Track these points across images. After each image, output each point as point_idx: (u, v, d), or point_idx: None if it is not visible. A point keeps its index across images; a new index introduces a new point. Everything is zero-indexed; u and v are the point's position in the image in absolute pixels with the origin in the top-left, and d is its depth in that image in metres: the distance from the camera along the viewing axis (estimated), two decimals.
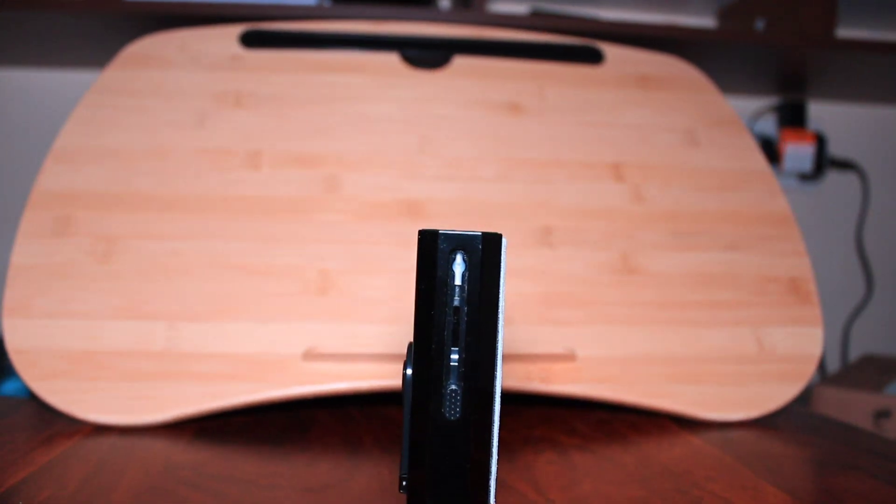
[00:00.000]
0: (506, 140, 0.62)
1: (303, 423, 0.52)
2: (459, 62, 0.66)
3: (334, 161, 0.59)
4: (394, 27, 0.67)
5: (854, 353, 1.36)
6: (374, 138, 0.61)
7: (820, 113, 1.34)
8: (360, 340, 0.52)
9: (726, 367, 0.55)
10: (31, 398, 0.55)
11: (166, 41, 0.65)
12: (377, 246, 0.56)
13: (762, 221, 0.62)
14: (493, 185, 0.60)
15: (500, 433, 0.50)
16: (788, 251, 0.61)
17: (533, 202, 0.59)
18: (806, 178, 1.33)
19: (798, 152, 1.27)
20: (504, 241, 0.28)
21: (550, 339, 0.54)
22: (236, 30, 0.66)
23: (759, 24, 1.14)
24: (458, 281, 0.27)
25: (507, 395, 0.60)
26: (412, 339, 0.28)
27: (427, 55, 0.66)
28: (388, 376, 0.49)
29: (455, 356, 0.27)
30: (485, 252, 0.27)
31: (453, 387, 0.27)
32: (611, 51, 0.69)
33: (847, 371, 1.02)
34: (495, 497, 0.29)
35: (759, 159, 0.65)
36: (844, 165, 1.32)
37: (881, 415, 0.84)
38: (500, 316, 0.28)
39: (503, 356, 0.53)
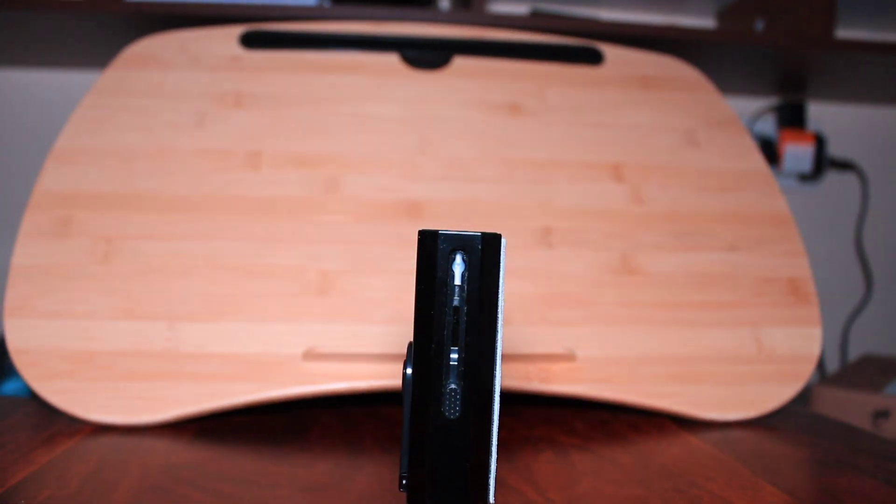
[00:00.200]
0: (506, 140, 0.62)
1: (303, 422, 0.52)
2: (459, 63, 0.66)
3: (334, 161, 0.59)
4: (393, 28, 0.67)
5: (853, 354, 1.36)
6: (373, 139, 0.61)
7: (819, 113, 1.34)
8: (359, 340, 0.52)
9: (725, 367, 0.55)
10: (32, 398, 0.56)
11: (166, 42, 0.65)
12: (377, 246, 0.56)
13: (761, 222, 0.62)
14: (492, 185, 0.60)
15: (499, 432, 0.51)
16: (787, 252, 0.61)
17: (533, 203, 0.59)
18: (805, 178, 1.33)
19: (797, 153, 1.27)
20: (503, 241, 0.28)
21: (550, 339, 0.54)
22: (236, 30, 0.66)
23: (759, 25, 1.14)
24: (457, 281, 0.27)
25: (507, 395, 0.60)
26: (412, 339, 0.28)
27: (427, 56, 0.66)
28: (388, 376, 0.50)
29: (455, 356, 0.27)
30: (484, 252, 0.27)
31: (453, 386, 0.27)
32: (610, 51, 0.69)
33: (846, 371, 1.02)
34: (494, 495, 0.29)
35: (758, 160, 0.65)
36: (844, 166, 1.32)
37: (880, 415, 0.84)
38: (500, 316, 0.28)
39: (503, 356, 0.53)
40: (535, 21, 0.94)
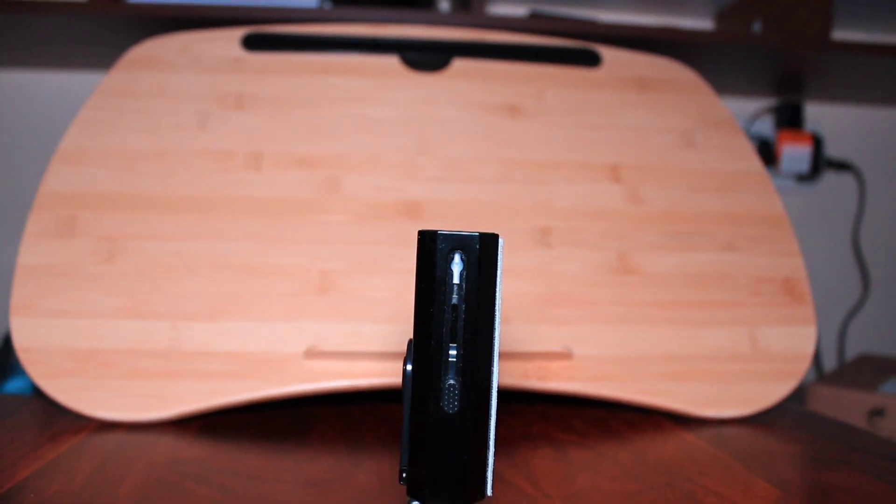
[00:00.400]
0: (504, 142, 0.63)
1: (304, 420, 0.53)
2: (459, 64, 0.67)
3: (335, 162, 0.60)
4: (394, 30, 0.68)
5: (850, 353, 1.37)
6: (374, 140, 0.62)
7: (817, 114, 1.35)
8: (360, 339, 0.53)
9: (721, 365, 0.56)
10: (36, 396, 0.56)
11: (169, 44, 0.66)
12: (377, 246, 0.57)
13: (757, 222, 0.62)
14: (491, 186, 0.61)
15: (497, 428, 0.51)
16: (783, 252, 0.61)
17: (531, 203, 0.60)
18: (803, 178, 1.34)
19: (795, 153, 1.28)
20: (501, 241, 0.29)
21: (548, 337, 0.55)
22: (238, 33, 0.67)
23: (756, 27, 1.14)
24: (456, 280, 0.28)
25: (506, 393, 0.61)
26: (412, 337, 0.29)
27: (427, 58, 0.67)
28: (388, 374, 0.50)
29: (453, 352, 0.28)
30: (482, 252, 0.28)
31: (451, 382, 0.28)
32: (608, 53, 0.70)
33: (843, 370, 1.03)
34: (492, 488, 0.30)
35: (754, 160, 0.66)
36: (841, 166, 1.33)
37: (875, 413, 0.85)
38: (497, 313, 0.29)
39: (501, 353, 0.54)
40: (534, 23, 0.95)
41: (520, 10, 1.27)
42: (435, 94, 0.65)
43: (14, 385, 0.90)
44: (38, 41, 1.03)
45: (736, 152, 0.66)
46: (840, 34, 1.32)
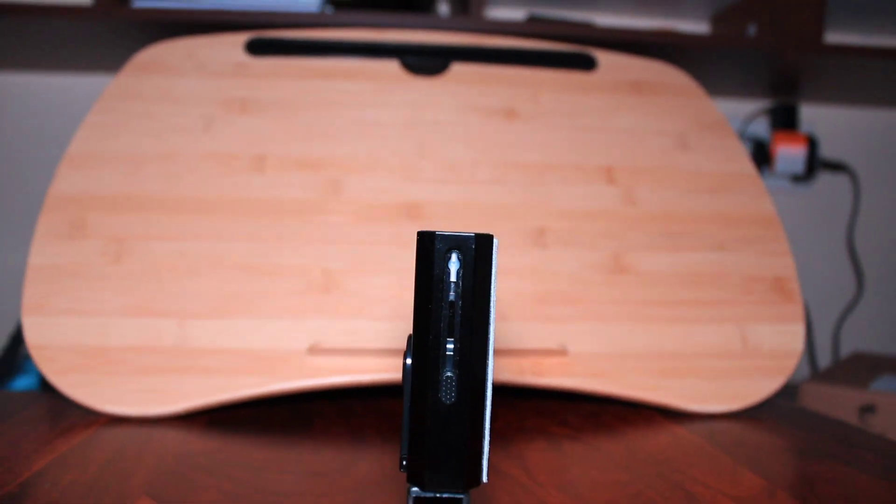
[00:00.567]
0: (501, 144, 0.65)
1: (307, 415, 0.54)
2: (457, 69, 0.68)
3: (336, 165, 0.62)
4: (394, 35, 0.70)
5: (845, 351, 1.38)
6: (374, 143, 0.63)
7: (811, 115, 1.37)
8: (361, 336, 0.54)
9: (712, 362, 0.58)
10: (45, 393, 0.58)
11: (174, 49, 0.68)
12: (378, 246, 0.58)
13: (749, 223, 0.64)
14: (489, 187, 0.62)
15: (493, 420, 0.53)
16: (773, 251, 0.63)
17: (527, 204, 0.62)
18: (798, 179, 1.35)
19: (790, 154, 1.30)
20: (496, 241, 0.30)
21: (543, 334, 0.56)
22: (242, 38, 0.68)
23: (751, 30, 1.16)
24: (453, 278, 0.30)
25: (502, 388, 0.63)
26: (411, 332, 0.31)
27: (426, 62, 0.69)
28: (389, 370, 0.52)
29: (451, 346, 0.30)
30: (478, 251, 0.30)
31: (449, 374, 0.30)
32: (604, 57, 0.71)
33: (835, 368, 1.04)
34: (487, 475, 0.31)
35: (746, 162, 0.67)
36: (836, 167, 1.35)
37: (866, 410, 0.87)
38: (492, 310, 0.30)
39: (498, 350, 0.55)
40: (531, 27, 0.97)
41: (518, 13, 1.28)
42: (434, 98, 0.66)
43: (21, 383, 0.92)
44: (46, 44, 1.05)
45: (728, 154, 0.68)
46: (834, 37, 1.34)
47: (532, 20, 1.11)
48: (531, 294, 0.58)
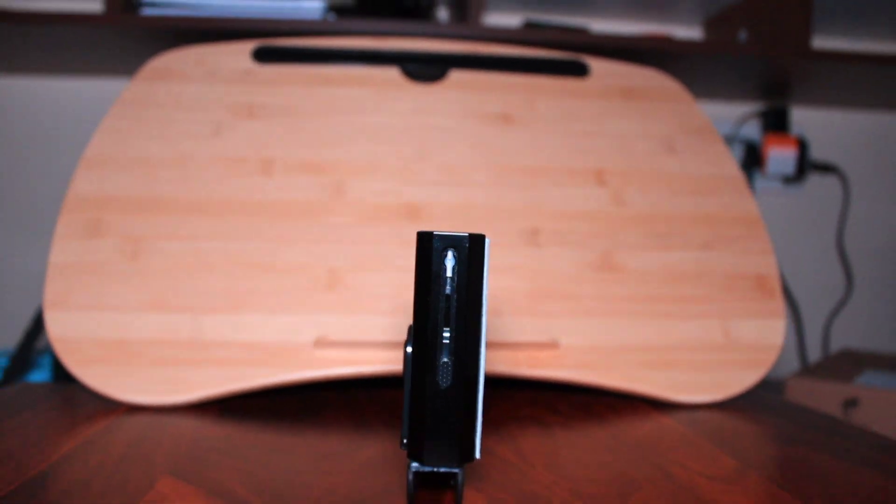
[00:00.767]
0: (497, 148, 0.68)
1: (314, 404, 0.57)
2: (455, 76, 0.72)
3: (340, 168, 0.65)
4: (394, 43, 0.73)
5: (835, 348, 1.41)
6: (376, 147, 0.66)
7: (802, 118, 1.40)
8: (364, 330, 0.57)
9: (696, 355, 0.61)
10: (66, 384, 0.61)
11: (184, 57, 0.71)
12: (379, 245, 0.61)
13: (732, 223, 0.67)
14: (485, 189, 0.65)
15: (486, 404, 0.56)
16: (756, 250, 0.66)
17: (522, 205, 0.65)
18: (789, 180, 1.39)
19: (781, 156, 1.33)
20: (487, 240, 0.34)
21: (537, 329, 0.60)
22: (249, 46, 0.72)
23: (742, 36, 1.19)
24: (449, 273, 0.33)
25: (498, 380, 0.66)
26: (412, 323, 0.34)
27: (425, 69, 0.72)
28: (391, 362, 0.55)
29: (447, 335, 0.33)
30: (471, 250, 0.33)
31: (445, 360, 0.33)
32: (596, 64, 0.75)
33: (822, 364, 1.07)
34: (480, 452, 0.35)
35: (731, 165, 0.71)
36: (826, 168, 1.38)
37: (850, 403, 0.90)
38: (484, 302, 0.34)
39: (494, 344, 0.58)
40: (528, 34, 1.00)
41: (515, 19, 1.31)
42: (433, 104, 0.70)
43: (34, 378, 0.95)
44: (59, 49, 1.08)
45: (713, 157, 0.71)
46: (823, 41, 1.37)
47: (528, 26, 1.14)
48: (525, 291, 0.61)
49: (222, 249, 0.60)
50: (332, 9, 1.06)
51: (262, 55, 0.71)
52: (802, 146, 1.34)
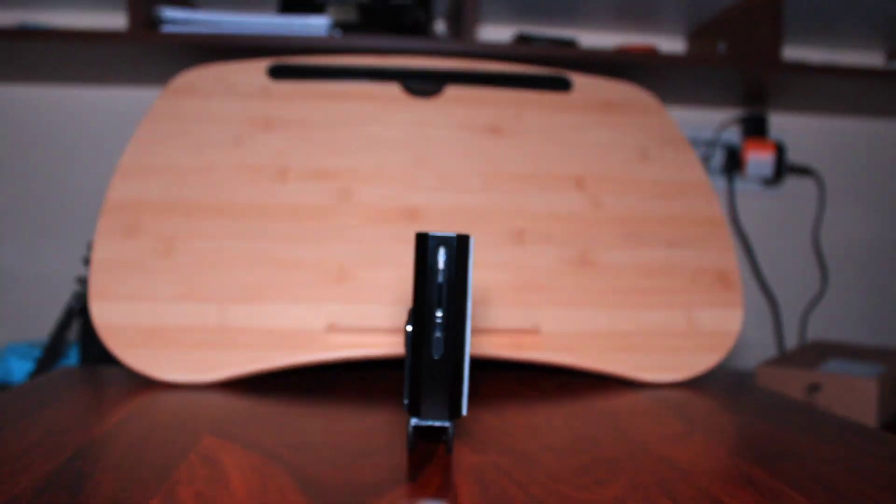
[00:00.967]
0: (488, 157, 0.76)
1: (327, 383, 0.66)
2: (451, 91, 0.80)
3: (348, 175, 0.73)
4: (396, 61, 0.81)
5: (811, 340, 1.49)
6: (380, 156, 0.75)
7: (780, 124, 1.48)
8: (370, 318, 0.66)
9: (662, 340, 0.69)
10: (102, 367, 0.69)
11: (206, 74, 0.79)
12: (383, 244, 0.70)
13: (698, 224, 0.75)
14: (477, 194, 0.74)
15: (478, 386, 0.64)
16: (719, 248, 0.74)
17: (509, 208, 0.73)
18: (767, 182, 1.46)
19: (760, 160, 1.41)
20: (472, 239, 0.42)
21: (521, 317, 0.68)
22: (264, 63, 0.80)
23: (721, 47, 1.27)
24: (441, 266, 0.41)
25: (486, 362, 0.74)
26: (411, 306, 0.42)
27: (424, 85, 0.80)
28: (394, 345, 0.63)
29: (439, 315, 0.41)
30: (459, 247, 0.41)
31: (438, 335, 0.41)
32: (578, 79, 0.83)
33: (791, 353, 1.15)
34: (467, 410, 0.43)
35: (699, 172, 0.79)
36: (802, 171, 1.46)
37: (813, 388, 0.98)
38: (469, 289, 0.42)
39: (482, 329, 0.66)
40: (518, 49, 1.08)
41: (508, 32, 1.39)
42: (431, 117, 0.78)
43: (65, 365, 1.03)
44: (86, 63, 1.16)
45: (683, 165, 0.79)
46: (796, 52, 1.45)
47: (520, 39, 1.22)
48: (511, 283, 0.69)
49: (244, 247, 0.68)
50: (338, 25, 1.14)
51: (277, 72, 0.79)
52: (780, 150, 1.41)
